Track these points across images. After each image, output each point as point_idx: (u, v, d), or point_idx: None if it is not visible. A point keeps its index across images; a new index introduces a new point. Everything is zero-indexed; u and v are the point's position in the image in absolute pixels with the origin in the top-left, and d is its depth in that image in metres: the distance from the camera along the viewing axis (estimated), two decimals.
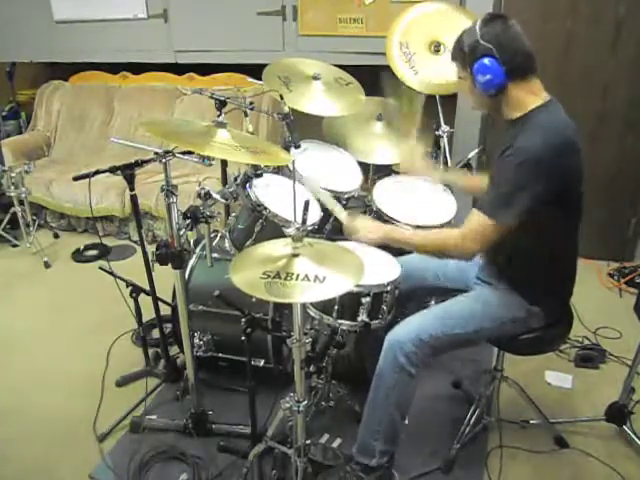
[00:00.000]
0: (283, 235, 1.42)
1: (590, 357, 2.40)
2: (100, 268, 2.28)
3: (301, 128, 2.19)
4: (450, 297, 1.74)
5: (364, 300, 1.66)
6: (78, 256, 3.51)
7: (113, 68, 4.28)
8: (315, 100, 2.31)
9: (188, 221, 1.72)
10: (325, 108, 2.32)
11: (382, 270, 1.75)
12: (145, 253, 2.15)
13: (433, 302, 2.30)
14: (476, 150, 1.93)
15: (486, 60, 1.45)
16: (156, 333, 2.43)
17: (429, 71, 2.47)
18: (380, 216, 2.19)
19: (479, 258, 1.82)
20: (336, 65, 2.50)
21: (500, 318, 1.64)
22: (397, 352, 1.58)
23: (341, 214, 1.83)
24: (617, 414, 2.00)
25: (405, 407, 1.66)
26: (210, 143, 1.55)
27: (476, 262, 1.82)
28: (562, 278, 1.66)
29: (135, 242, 3.64)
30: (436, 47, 2.51)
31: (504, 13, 1.53)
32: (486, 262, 1.78)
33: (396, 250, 1.93)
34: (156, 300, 2.25)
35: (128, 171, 2.00)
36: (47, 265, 3.39)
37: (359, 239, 1.71)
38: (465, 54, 1.51)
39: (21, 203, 3.47)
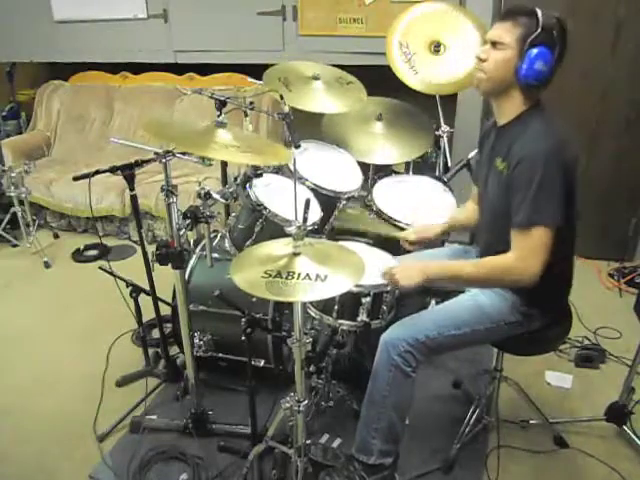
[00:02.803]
0: (283, 235, 1.42)
1: (590, 357, 2.40)
2: (100, 268, 2.28)
3: (301, 128, 2.19)
4: (449, 297, 1.74)
5: (364, 300, 1.67)
6: (78, 256, 3.51)
7: (113, 68, 4.28)
8: (316, 98, 2.31)
9: (188, 221, 1.72)
10: (326, 106, 2.32)
11: (382, 270, 1.75)
12: (145, 253, 2.15)
13: (433, 302, 2.30)
14: (476, 150, 1.92)
15: (549, 53, 1.42)
16: (156, 333, 2.43)
17: (429, 71, 2.47)
18: (380, 216, 2.20)
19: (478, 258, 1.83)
20: (336, 65, 2.50)
21: (497, 319, 1.64)
22: (391, 351, 1.58)
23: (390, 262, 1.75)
24: (617, 414, 2.00)
25: (403, 408, 1.66)
26: (211, 144, 1.56)
27: None
28: (559, 278, 1.65)
29: (135, 242, 3.64)
30: (436, 47, 2.52)
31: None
32: None
33: (396, 250, 1.94)
34: (156, 300, 2.25)
35: (128, 171, 2.00)
36: (47, 265, 3.39)
37: (403, 288, 1.61)
38: (535, 28, 1.42)
39: (21, 203, 3.47)
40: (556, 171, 1.42)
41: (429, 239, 1.91)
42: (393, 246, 1.96)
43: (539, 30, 1.42)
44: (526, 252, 1.46)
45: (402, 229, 2.08)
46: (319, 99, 2.31)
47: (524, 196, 1.44)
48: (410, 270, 1.61)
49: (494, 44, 1.50)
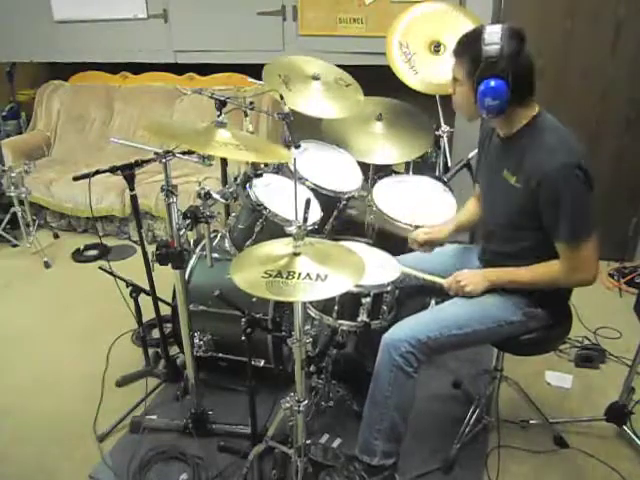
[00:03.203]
0: (283, 235, 1.42)
1: (590, 357, 2.40)
2: (100, 268, 2.28)
3: (301, 128, 2.19)
4: (450, 297, 1.74)
5: (364, 300, 1.67)
6: (78, 256, 3.51)
7: (113, 68, 4.28)
8: (314, 101, 2.31)
9: (188, 221, 1.71)
10: (324, 110, 2.32)
11: (382, 270, 1.75)
12: (145, 253, 2.15)
13: (433, 302, 2.31)
14: (476, 150, 1.92)
15: (498, 84, 1.40)
16: (156, 333, 2.43)
17: (429, 71, 2.47)
18: (380, 216, 2.20)
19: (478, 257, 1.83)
20: (336, 65, 2.50)
21: (498, 320, 1.64)
22: (393, 352, 1.58)
23: (436, 279, 1.75)
24: (617, 414, 2.00)
25: (405, 408, 1.65)
26: (211, 142, 1.56)
27: (476, 263, 1.83)
28: None
29: (135, 242, 3.64)
30: (436, 47, 2.51)
31: (521, 29, 1.46)
32: (485, 263, 1.78)
33: (396, 249, 1.94)
34: (156, 300, 2.25)
35: (128, 171, 2.00)
36: (47, 265, 3.39)
37: (470, 294, 1.65)
38: (479, 65, 1.42)
39: (21, 203, 3.47)
40: (581, 183, 1.43)
41: (439, 240, 1.90)
42: (393, 245, 1.96)
43: (481, 65, 1.41)
44: (580, 265, 1.51)
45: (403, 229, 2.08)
46: (318, 102, 2.31)
47: (559, 214, 1.46)
48: (476, 277, 1.66)
49: (453, 79, 1.54)
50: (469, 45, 1.47)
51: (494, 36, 1.41)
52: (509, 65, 1.40)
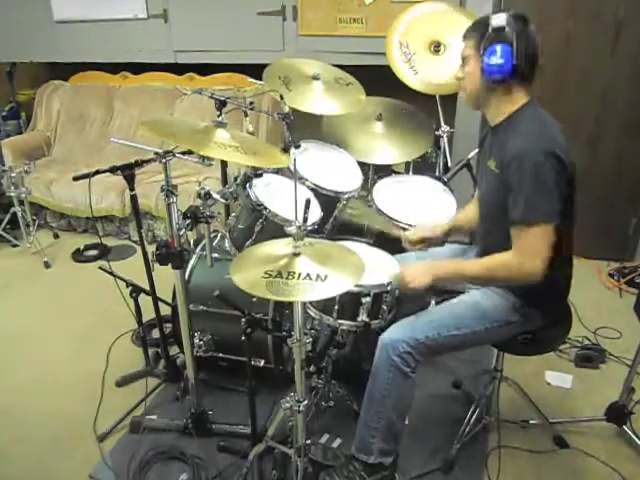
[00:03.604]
0: (283, 235, 1.42)
1: (590, 357, 2.40)
2: (100, 268, 2.28)
3: (301, 128, 2.19)
4: (449, 298, 1.74)
5: (364, 300, 1.66)
6: (78, 256, 3.51)
7: (113, 68, 4.28)
8: (315, 99, 2.31)
9: (188, 221, 1.71)
10: (325, 107, 2.32)
11: (382, 270, 1.75)
12: (145, 253, 2.15)
13: (433, 302, 2.30)
14: (476, 150, 1.92)
15: (505, 47, 1.45)
16: (156, 333, 2.43)
17: (429, 71, 2.47)
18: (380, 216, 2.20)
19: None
20: (336, 65, 2.50)
21: (497, 320, 1.64)
22: (391, 352, 1.58)
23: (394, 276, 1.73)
24: (617, 414, 2.00)
25: (403, 408, 1.66)
26: (210, 143, 1.56)
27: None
28: (559, 279, 1.64)
29: (135, 242, 3.64)
30: (436, 47, 2.52)
31: (524, 13, 1.53)
32: None
33: (395, 248, 1.94)
34: (156, 300, 2.25)
35: (128, 171, 2.00)
36: (47, 265, 3.39)
37: (415, 290, 1.63)
38: (486, 33, 1.48)
39: (21, 203, 3.47)
40: (549, 168, 1.42)
41: (431, 239, 1.90)
42: (393, 245, 1.96)
43: (489, 32, 1.48)
44: (525, 250, 1.47)
45: (404, 229, 2.08)
46: (318, 100, 2.31)
47: (518, 194, 1.45)
48: (418, 271, 1.63)
49: (462, 62, 1.59)
50: (477, 25, 1.55)
51: (499, 16, 1.50)
52: (514, 35, 1.45)
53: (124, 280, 2.25)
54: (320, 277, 1.25)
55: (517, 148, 1.46)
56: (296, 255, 1.31)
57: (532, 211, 1.44)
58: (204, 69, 4.01)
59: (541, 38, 1.50)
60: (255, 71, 2.32)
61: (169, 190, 1.69)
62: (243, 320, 1.64)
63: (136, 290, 2.24)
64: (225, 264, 1.53)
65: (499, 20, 1.48)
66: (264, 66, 2.31)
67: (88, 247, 3.57)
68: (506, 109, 1.55)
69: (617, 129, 3.11)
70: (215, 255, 2.09)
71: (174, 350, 2.39)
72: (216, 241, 2.23)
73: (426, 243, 1.90)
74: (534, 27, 1.49)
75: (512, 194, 1.47)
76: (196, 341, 2.10)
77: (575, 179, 1.52)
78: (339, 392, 2.12)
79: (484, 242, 1.77)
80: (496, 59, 1.46)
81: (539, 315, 1.65)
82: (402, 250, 1.96)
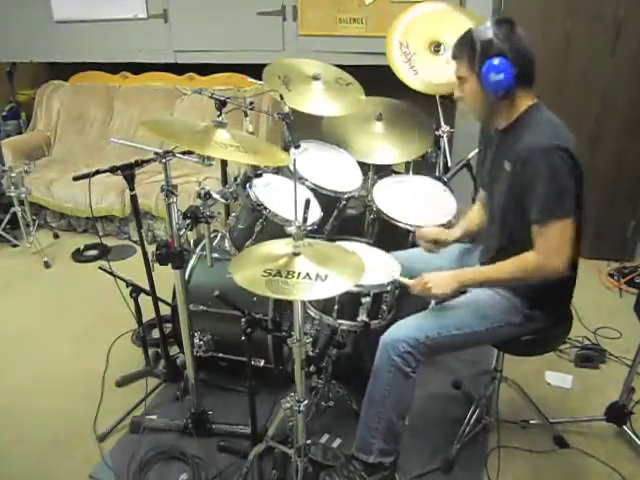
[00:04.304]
0: (283, 235, 1.42)
1: (590, 357, 2.40)
2: (100, 268, 2.28)
3: (301, 128, 2.19)
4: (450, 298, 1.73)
5: (364, 300, 1.66)
6: (78, 256, 3.51)
7: (113, 68, 4.28)
8: (315, 100, 2.31)
9: (188, 221, 1.71)
10: (325, 108, 2.32)
11: (382, 270, 1.75)
12: (145, 253, 2.15)
13: (433, 302, 2.30)
14: (476, 150, 1.91)
15: (500, 60, 1.44)
16: (156, 333, 2.43)
17: (429, 71, 2.47)
18: (380, 216, 2.20)
19: (479, 258, 1.82)
20: (336, 65, 2.50)
21: (498, 321, 1.64)
22: (391, 352, 1.57)
23: (405, 280, 1.71)
24: (617, 414, 2.00)
25: (403, 409, 1.65)
26: (210, 143, 1.56)
27: (476, 264, 1.82)
28: (563, 280, 1.63)
29: (135, 242, 3.64)
30: (436, 47, 2.51)
31: (508, 17, 1.52)
32: (486, 264, 1.77)
33: (395, 248, 1.94)
34: (156, 300, 2.25)
35: (128, 171, 2.00)
36: (47, 265, 3.39)
37: (437, 296, 1.62)
38: (476, 51, 1.47)
39: (21, 203, 3.47)
40: (562, 164, 1.43)
41: (446, 243, 1.88)
42: (393, 245, 1.96)
43: (477, 48, 1.47)
44: (547, 248, 1.47)
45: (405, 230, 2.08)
46: (318, 101, 2.31)
47: (535, 192, 1.45)
48: (443, 279, 1.61)
49: (459, 81, 1.58)
50: (463, 43, 1.54)
51: (483, 27, 1.49)
52: (505, 44, 1.44)
53: (124, 280, 2.25)
54: (320, 277, 1.25)
55: (531, 146, 1.46)
56: (296, 255, 1.31)
57: (550, 208, 1.45)
58: (204, 69, 4.01)
59: (532, 37, 1.49)
60: (255, 71, 2.32)
61: (169, 190, 1.69)
62: (243, 320, 1.63)
63: (136, 290, 2.24)
64: (225, 264, 1.53)
65: (483, 33, 1.47)
66: (264, 66, 2.31)
67: (88, 247, 3.57)
68: (514, 113, 1.55)
69: (617, 129, 3.11)
70: (215, 255, 2.09)
71: (174, 350, 2.39)
72: (216, 241, 2.23)
73: (438, 244, 1.89)
74: (520, 28, 1.48)
75: (528, 193, 1.47)
76: (196, 341, 2.10)
77: (583, 178, 1.52)
78: (339, 392, 2.12)
79: (498, 246, 1.70)
80: (495, 76, 1.45)
81: (541, 316, 1.65)
82: (401, 248, 1.97)
